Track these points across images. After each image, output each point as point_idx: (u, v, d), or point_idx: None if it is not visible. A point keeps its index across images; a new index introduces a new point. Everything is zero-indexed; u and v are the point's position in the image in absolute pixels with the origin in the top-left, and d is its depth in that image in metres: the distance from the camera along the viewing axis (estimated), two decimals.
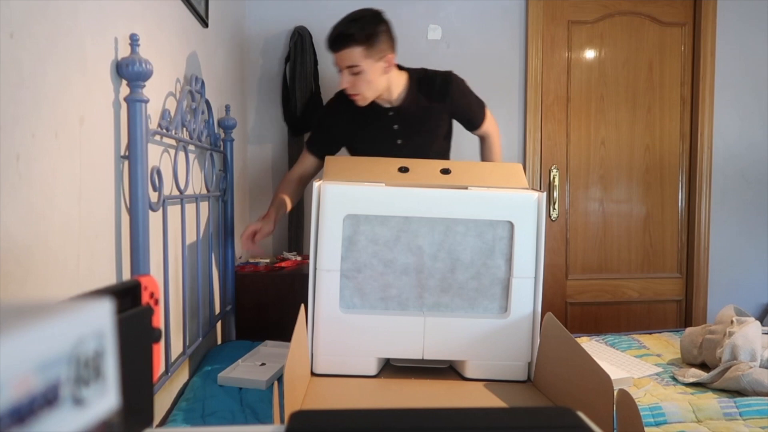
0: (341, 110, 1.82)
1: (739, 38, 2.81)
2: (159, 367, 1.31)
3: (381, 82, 1.70)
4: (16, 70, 0.80)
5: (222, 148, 1.98)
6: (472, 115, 1.88)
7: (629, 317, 2.86)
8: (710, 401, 1.36)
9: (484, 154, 1.98)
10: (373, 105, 1.77)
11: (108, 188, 1.11)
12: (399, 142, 1.81)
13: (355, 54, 1.62)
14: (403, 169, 1.52)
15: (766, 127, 2.86)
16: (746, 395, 1.43)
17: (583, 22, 2.78)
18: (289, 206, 1.84)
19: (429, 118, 1.81)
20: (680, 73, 2.84)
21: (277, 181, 2.64)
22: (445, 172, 1.52)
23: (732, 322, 1.63)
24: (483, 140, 1.97)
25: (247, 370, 1.56)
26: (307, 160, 1.89)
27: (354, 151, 1.87)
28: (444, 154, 1.92)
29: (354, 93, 1.69)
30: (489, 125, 1.93)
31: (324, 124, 1.88)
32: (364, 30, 1.61)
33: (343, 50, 1.62)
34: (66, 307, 0.31)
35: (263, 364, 1.60)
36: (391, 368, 1.45)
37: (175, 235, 1.50)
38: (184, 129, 1.53)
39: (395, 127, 1.80)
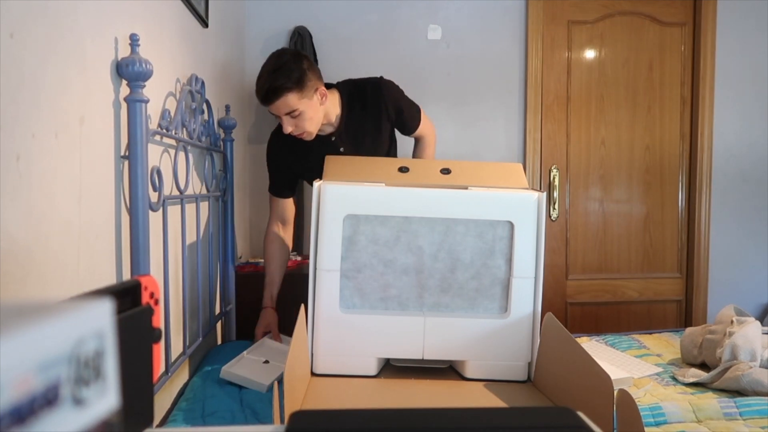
0: (285, 147, 1.84)
1: (739, 38, 2.81)
2: (159, 367, 1.30)
3: (319, 113, 1.71)
4: (16, 70, 0.80)
5: (222, 148, 1.98)
6: (407, 117, 1.88)
7: (629, 317, 2.86)
8: (710, 401, 1.36)
9: (417, 154, 2.01)
10: (317, 137, 1.77)
11: (108, 188, 1.11)
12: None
13: (289, 101, 1.62)
14: (403, 169, 1.52)
15: (766, 127, 2.86)
16: (746, 395, 1.43)
17: (583, 22, 2.78)
18: (278, 281, 1.91)
19: (370, 129, 1.83)
20: (680, 73, 2.84)
21: None
22: (445, 171, 1.52)
23: (732, 322, 1.63)
24: (417, 141, 2.01)
25: (250, 367, 1.56)
26: (278, 205, 1.91)
27: (310, 182, 1.84)
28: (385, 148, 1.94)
29: (299, 133, 1.70)
30: (424, 128, 1.95)
31: (273, 165, 1.89)
32: (291, 76, 1.60)
33: (276, 102, 1.62)
34: (66, 307, 0.31)
35: (266, 362, 1.60)
36: (391, 368, 1.45)
37: (175, 235, 1.50)
38: (184, 129, 1.53)
39: (341, 150, 1.82)
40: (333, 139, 1.81)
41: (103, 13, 1.08)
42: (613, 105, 2.82)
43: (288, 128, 1.67)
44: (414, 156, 2.02)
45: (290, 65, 1.62)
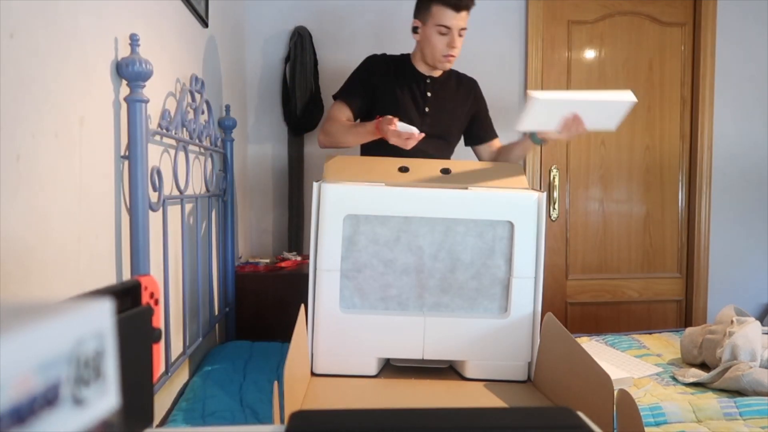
0: (384, 65, 1.86)
1: (739, 38, 2.81)
2: (159, 367, 1.31)
3: None
4: (16, 70, 0.80)
5: (222, 148, 1.98)
6: (489, 121, 1.94)
7: (629, 317, 2.86)
8: (710, 401, 1.36)
9: (506, 152, 1.90)
10: (414, 70, 1.84)
11: (108, 188, 1.11)
12: (427, 110, 1.85)
13: (467, 17, 1.73)
14: (403, 169, 1.52)
15: (766, 127, 2.86)
16: (746, 395, 1.43)
17: (583, 22, 2.78)
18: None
19: (456, 100, 1.88)
20: (680, 73, 2.84)
21: (277, 180, 2.64)
22: (445, 171, 1.52)
23: (732, 322, 1.63)
24: (495, 148, 1.95)
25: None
26: (341, 111, 1.82)
27: (380, 109, 1.79)
28: (452, 147, 1.94)
29: (453, 54, 1.75)
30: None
31: (364, 75, 1.86)
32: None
33: (464, 11, 1.71)
34: (66, 307, 0.31)
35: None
36: (391, 368, 1.45)
37: (175, 235, 1.50)
38: (184, 129, 1.53)
39: (428, 94, 1.85)
40: (428, 81, 1.85)
41: (103, 13, 1.08)
42: None
43: (457, 44, 1.73)
44: (502, 157, 1.91)
45: None
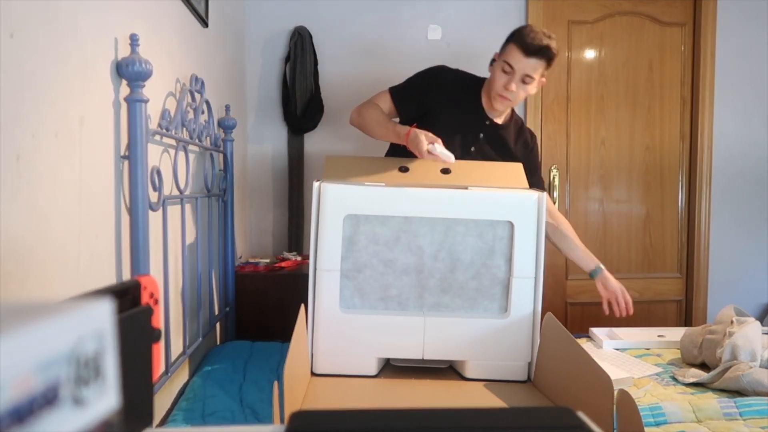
0: (450, 85, 1.78)
1: (739, 38, 2.81)
2: (159, 367, 1.31)
3: (523, 98, 1.75)
4: (16, 70, 0.80)
5: (222, 148, 1.98)
6: (536, 177, 1.83)
7: (629, 317, 2.85)
8: (710, 401, 1.36)
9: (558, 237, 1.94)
10: (478, 103, 1.78)
11: (108, 188, 1.11)
12: (473, 149, 1.77)
13: (539, 67, 1.66)
14: (403, 169, 1.52)
15: (766, 127, 2.86)
16: (746, 395, 1.43)
17: (583, 22, 2.78)
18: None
19: (506, 148, 1.81)
20: (680, 73, 2.84)
21: (277, 180, 2.64)
22: (445, 172, 1.52)
23: (732, 322, 1.63)
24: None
25: None
26: (387, 104, 1.77)
27: (425, 124, 1.67)
28: None
29: (510, 99, 1.70)
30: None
31: (425, 82, 1.78)
32: (557, 51, 1.68)
33: (534, 58, 1.64)
34: (66, 307, 0.31)
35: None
36: (391, 368, 1.45)
37: (175, 235, 1.50)
38: (184, 129, 1.53)
39: (481, 135, 1.78)
40: (486, 123, 1.79)
41: (103, 13, 1.08)
42: (613, 105, 2.81)
43: (511, 87, 1.66)
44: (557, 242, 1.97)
45: (556, 48, 1.69)
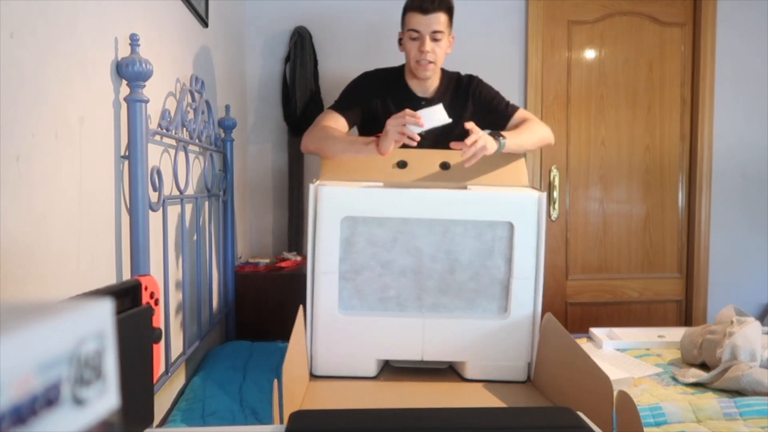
0: (378, 84, 1.78)
1: (739, 38, 2.81)
2: (159, 367, 1.30)
3: (443, 56, 1.71)
4: (16, 70, 0.80)
5: (222, 148, 1.98)
6: (498, 101, 1.78)
7: (629, 317, 2.86)
8: (710, 401, 1.36)
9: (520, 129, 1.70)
10: (408, 91, 1.77)
11: (108, 188, 1.11)
12: (422, 134, 1.70)
13: (441, 20, 1.65)
14: (401, 164, 1.51)
15: (766, 127, 2.86)
16: (746, 395, 1.43)
17: (583, 22, 2.78)
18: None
19: (452, 117, 1.71)
20: (680, 73, 2.84)
21: (277, 180, 2.64)
22: (445, 166, 1.51)
23: (732, 322, 1.63)
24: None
25: None
26: (334, 120, 1.71)
27: (371, 128, 1.73)
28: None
29: (431, 60, 1.68)
30: (523, 112, 1.79)
31: (358, 90, 1.78)
32: (451, 1, 1.67)
33: (433, 13, 1.64)
34: (66, 307, 0.31)
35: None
36: (391, 369, 1.45)
37: (175, 235, 1.50)
38: (184, 129, 1.53)
39: None
40: (423, 104, 1.73)
41: (103, 13, 1.08)
42: (613, 105, 2.81)
43: (427, 47, 1.65)
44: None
45: None
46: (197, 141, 1.63)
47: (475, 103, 1.79)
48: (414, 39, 1.67)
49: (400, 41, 1.74)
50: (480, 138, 1.46)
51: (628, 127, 2.83)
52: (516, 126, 1.71)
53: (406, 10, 1.69)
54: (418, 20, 1.65)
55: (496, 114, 1.78)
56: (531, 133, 1.67)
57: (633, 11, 2.80)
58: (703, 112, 2.81)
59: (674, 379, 1.57)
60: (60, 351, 0.29)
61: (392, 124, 1.47)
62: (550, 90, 2.77)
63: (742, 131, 2.85)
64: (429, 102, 1.75)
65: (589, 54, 2.81)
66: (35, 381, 0.27)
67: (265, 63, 2.63)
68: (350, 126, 1.76)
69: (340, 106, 1.76)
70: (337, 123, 1.71)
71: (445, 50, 1.72)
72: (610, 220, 2.85)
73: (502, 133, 1.57)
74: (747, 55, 2.83)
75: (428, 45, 1.66)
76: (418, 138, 1.48)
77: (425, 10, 1.64)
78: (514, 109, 1.78)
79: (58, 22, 0.92)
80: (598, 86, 2.80)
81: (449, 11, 1.67)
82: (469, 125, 1.49)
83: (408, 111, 1.47)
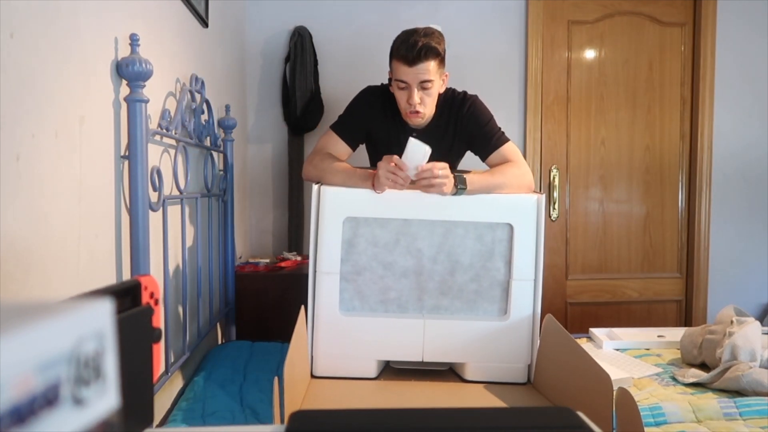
0: (380, 102, 1.70)
1: (739, 38, 2.81)
2: (159, 367, 1.31)
3: (436, 97, 1.62)
4: (16, 70, 0.80)
5: (222, 148, 1.98)
6: (489, 129, 1.65)
7: (629, 317, 2.86)
8: (710, 401, 1.36)
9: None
10: (401, 120, 1.67)
11: (108, 188, 1.11)
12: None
13: (430, 68, 1.53)
14: None
15: (766, 127, 2.86)
16: (746, 395, 1.43)
17: (583, 22, 2.78)
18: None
19: (444, 140, 1.69)
20: (680, 73, 2.84)
21: (277, 180, 2.64)
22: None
23: (732, 322, 1.63)
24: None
25: None
26: (335, 144, 1.66)
27: (375, 144, 1.73)
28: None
29: (420, 111, 1.58)
30: (509, 150, 1.63)
31: (358, 110, 1.71)
32: (440, 45, 1.55)
33: (425, 63, 1.52)
34: (66, 307, 0.31)
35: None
36: (391, 370, 1.45)
37: (175, 235, 1.50)
38: (184, 129, 1.53)
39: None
40: (414, 135, 1.56)
41: (103, 13, 1.08)
42: (613, 105, 2.81)
43: (416, 100, 1.55)
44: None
45: (439, 37, 1.56)
46: (197, 141, 1.63)
47: (458, 131, 1.68)
48: (402, 89, 1.57)
49: (390, 81, 1.63)
50: (445, 176, 1.38)
51: (628, 127, 2.83)
52: (497, 164, 1.60)
53: (392, 57, 1.57)
54: (404, 71, 1.54)
55: (480, 141, 1.65)
56: (504, 178, 1.50)
57: (633, 11, 2.80)
58: (703, 112, 2.81)
59: (674, 379, 1.57)
60: (60, 351, 0.29)
61: (383, 168, 1.39)
62: (550, 90, 2.77)
63: (742, 131, 2.85)
64: (420, 133, 1.64)
65: (589, 54, 2.81)
66: (35, 381, 0.27)
67: (265, 63, 2.63)
68: (353, 148, 1.69)
69: (341, 129, 1.68)
70: (337, 149, 1.65)
71: (438, 91, 1.61)
72: (610, 220, 2.85)
73: (469, 179, 1.44)
74: (747, 55, 2.83)
75: (416, 97, 1.55)
76: (409, 182, 1.41)
77: (411, 61, 1.52)
78: (502, 142, 1.63)
79: (58, 22, 0.92)
80: (598, 86, 2.80)
81: (438, 56, 1.54)
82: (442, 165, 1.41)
83: (395, 161, 1.39)
